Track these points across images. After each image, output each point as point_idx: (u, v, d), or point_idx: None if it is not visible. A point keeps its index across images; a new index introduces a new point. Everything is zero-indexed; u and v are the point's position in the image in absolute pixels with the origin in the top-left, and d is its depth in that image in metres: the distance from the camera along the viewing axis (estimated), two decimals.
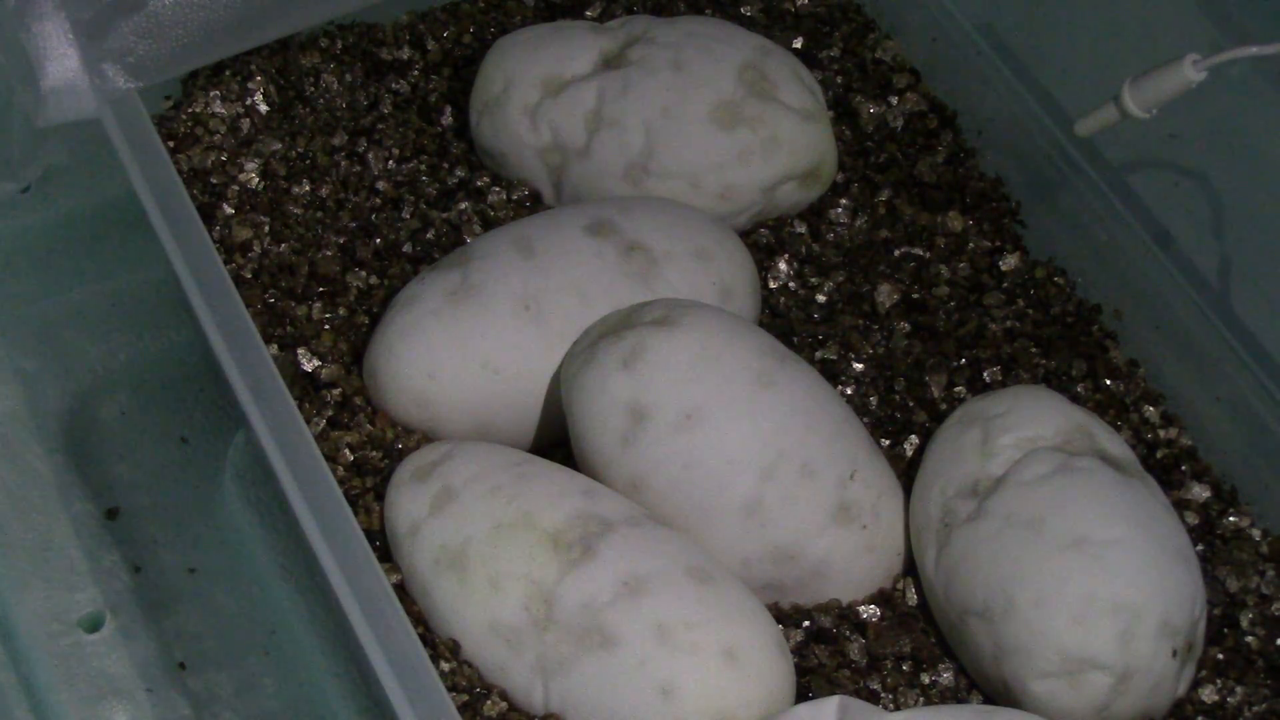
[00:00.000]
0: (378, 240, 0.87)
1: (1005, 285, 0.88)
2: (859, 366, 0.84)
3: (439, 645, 0.74)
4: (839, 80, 0.93)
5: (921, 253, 0.88)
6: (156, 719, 0.81)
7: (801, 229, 0.88)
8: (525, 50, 0.89)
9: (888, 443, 0.82)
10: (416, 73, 0.93)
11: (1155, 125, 0.81)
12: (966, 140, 0.92)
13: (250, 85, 0.90)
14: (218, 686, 0.83)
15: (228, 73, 0.90)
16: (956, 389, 0.84)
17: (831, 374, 0.83)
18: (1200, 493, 0.82)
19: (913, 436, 0.82)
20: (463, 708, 0.73)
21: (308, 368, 0.82)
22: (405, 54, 0.93)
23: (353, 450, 0.80)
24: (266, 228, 0.86)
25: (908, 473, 0.81)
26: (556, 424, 0.80)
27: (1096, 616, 0.74)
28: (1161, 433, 0.84)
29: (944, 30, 0.94)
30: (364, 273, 0.85)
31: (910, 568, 0.79)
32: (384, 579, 0.71)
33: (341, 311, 0.84)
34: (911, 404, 0.84)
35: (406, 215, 0.88)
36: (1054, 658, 0.74)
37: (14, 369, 0.90)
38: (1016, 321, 0.87)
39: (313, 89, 0.91)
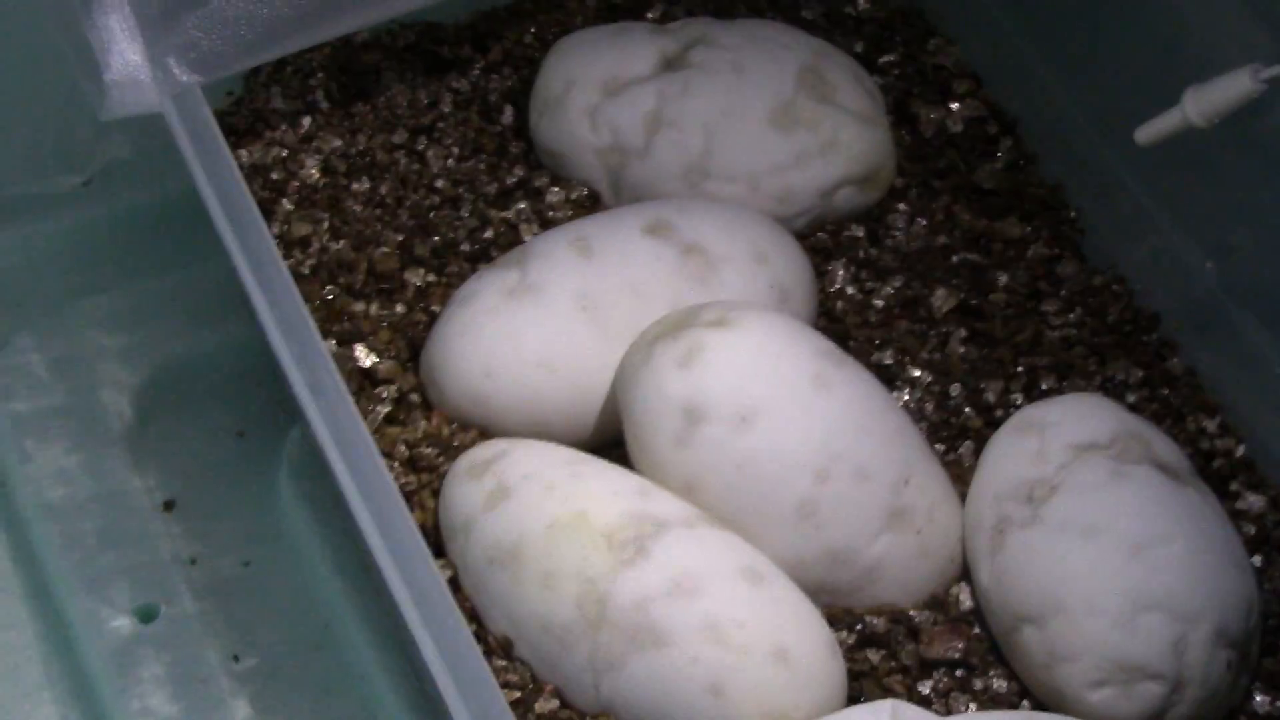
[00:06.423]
0: (436, 238, 0.87)
1: (1063, 293, 0.87)
2: (915, 372, 0.84)
3: (492, 642, 0.75)
4: (899, 85, 0.93)
5: (979, 259, 0.88)
6: (209, 709, 0.82)
7: (859, 233, 0.88)
8: (586, 51, 0.89)
9: (943, 448, 0.82)
10: (477, 72, 0.93)
11: (1217, 135, 0.80)
12: (1026, 147, 0.92)
13: (312, 82, 0.91)
14: (270, 679, 0.83)
15: (290, 69, 0.91)
16: (1013, 395, 0.84)
17: (888, 379, 0.83)
18: (1256, 503, 0.82)
19: (968, 442, 0.82)
20: (515, 704, 0.73)
21: (365, 364, 0.82)
22: (466, 53, 0.93)
23: (409, 446, 0.80)
24: (326, 224, 0.87)
25: (963, 478, 0.80)
26: (612, 423, 0.80)
27: (1150, 624, 0.73)
28: (1218, 443, 0.84)
29: (1005, 36, 0.93)
30: (422, 270, 0.86)
31: (964, 573, 0.79)
32: (438, 575, 0.71)
33: (399, 308, 0.85)
34: (968, 410, 0.83)
35: (465, 214, 0.88)
36: (1106, 665, 0.74)
37: (75, 361, 0.90)
38: (1074, 329, 0.86)
39: (374, 86, 0.91)
